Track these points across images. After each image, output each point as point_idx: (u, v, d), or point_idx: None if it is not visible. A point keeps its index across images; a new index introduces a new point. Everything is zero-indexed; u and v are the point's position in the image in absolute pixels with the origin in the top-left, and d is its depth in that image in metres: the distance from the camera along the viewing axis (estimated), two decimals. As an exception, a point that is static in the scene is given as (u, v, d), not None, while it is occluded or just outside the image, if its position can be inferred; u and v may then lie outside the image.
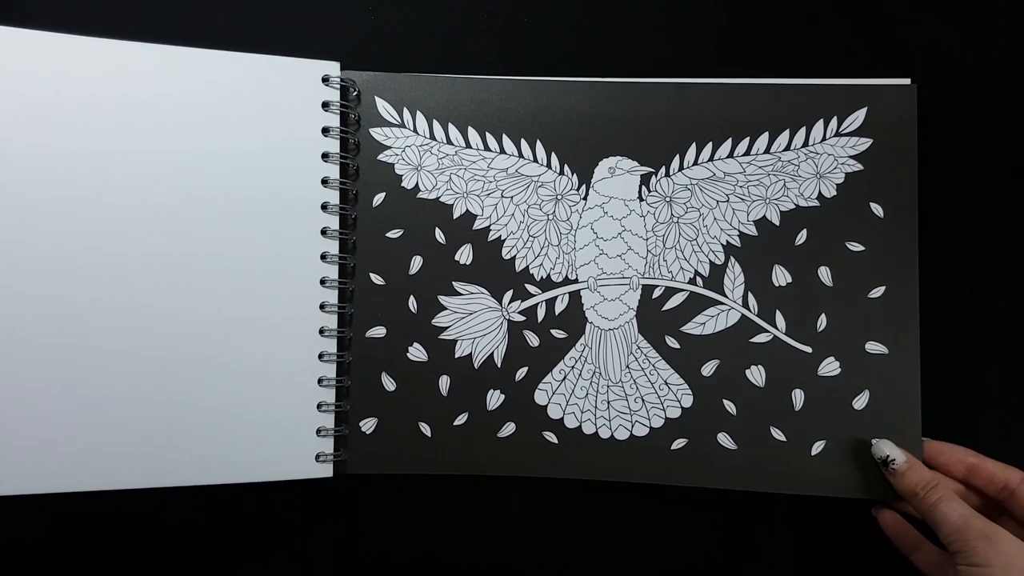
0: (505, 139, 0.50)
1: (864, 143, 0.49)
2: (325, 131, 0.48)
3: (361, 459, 0.50)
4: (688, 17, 0.53)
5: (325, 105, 0.48)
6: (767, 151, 0.50)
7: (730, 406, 0.49)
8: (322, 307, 0.49)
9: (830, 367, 0.48)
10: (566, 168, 0.50)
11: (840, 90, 0.49)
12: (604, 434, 0.50)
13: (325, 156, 0.48)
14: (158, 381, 0.46)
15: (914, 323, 0.48)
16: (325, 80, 0.48)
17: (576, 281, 0.50)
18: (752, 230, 0.50)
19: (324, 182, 0.48)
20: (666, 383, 0.50)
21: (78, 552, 0.50)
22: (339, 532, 0.52)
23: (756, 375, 0.49)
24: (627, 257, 0.50)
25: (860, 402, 0.48)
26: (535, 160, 0.50)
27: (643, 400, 0.50)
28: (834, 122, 0.49)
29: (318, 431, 0.49)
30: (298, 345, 0.48)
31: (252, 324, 0.47)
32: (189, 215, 0.46)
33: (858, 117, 0.49)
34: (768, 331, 0.49)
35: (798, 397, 0.49)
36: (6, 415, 0.44)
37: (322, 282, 0.49)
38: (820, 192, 0.49)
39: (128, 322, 0.45)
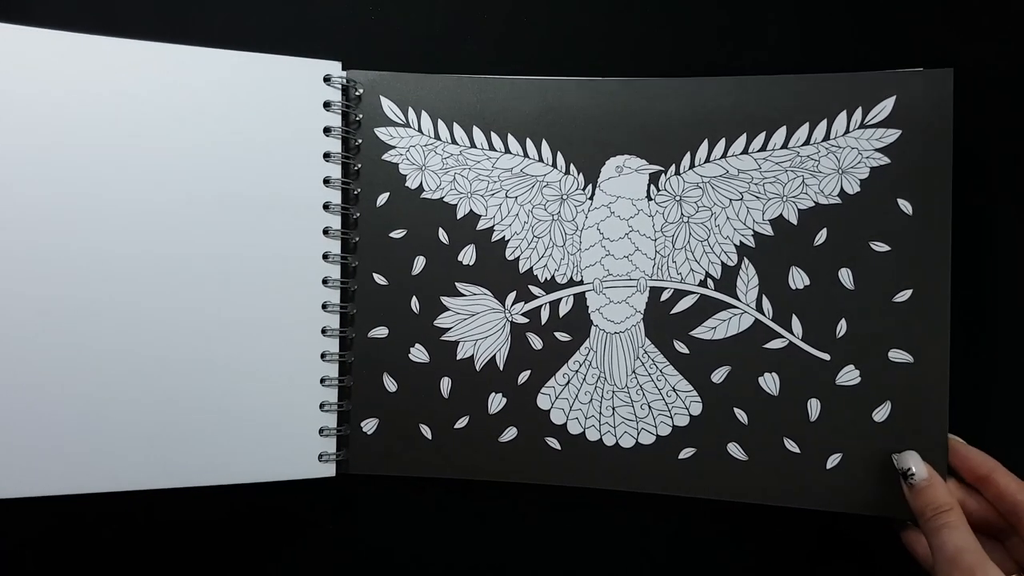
0: (510, 138, 0.49)
1: (892, 134, 0.45)
2: (327, 131, 0.49)
3: (362, 459, 0.49)
4: (690, 16, 0.51)
5: (327, 105, 0.49)
6: (784, 146, 0.47)
7: (741, 415, 0.46)
8: (324, 307, 0.49)
9: (849, 376, 0.45)
10: (572, 167, 0.49)
11: (865, 78, 0.46)
12: (609, 441, 0.48)
13: (327, 156, 0.49)
14: (160, 382, 0.46)
15: (944, 330, 0.44)
16: (326, 80, 0.49)
17: (581, 283, 0.49)
18: (768, 230, 0.47)
19: (326, 182, 0.49)
20: (674, 390, 0.47)
21: (82, 553, 0.51)
22: (340, 532, 0.51)
23: (769, 383, 0.46)
24: (634, 258, 0.48)
25: (881, 414, 0.44)
26: (540, 159, 0.49)
27: (650, 407, 0.48)
28: (858, 113, 0.46)
29: (321, 431, 0.49)
30: (300, 345, 0.48)
31: (254, 324, 0.48)
32: (190, 215, 0.47)
33: (885, 107, 0.45)
34: (783, 336, 0.46)
35: (814, 407, 0.45)
36: (10, 417, 0.45)
37: (324, 282, 0.49)
38: (842, 188, 0.46)
39: (130, 323, 0.46)
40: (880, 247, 0.45)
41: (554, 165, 0.49)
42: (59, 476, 0.45)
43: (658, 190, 0.48)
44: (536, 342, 0.49)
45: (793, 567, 0.49)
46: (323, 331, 0.49)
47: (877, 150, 0.45)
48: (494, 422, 0.49)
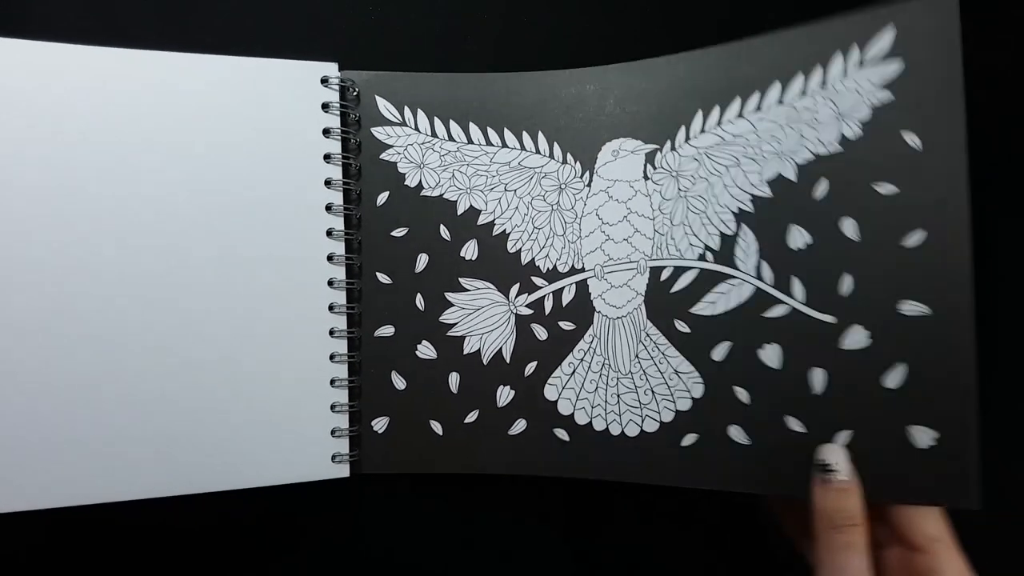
0: (507, 133, 0.50)
1: (894, 67, 0.40)
2: (326, 132, 0.50)
3: (374, 458, 0.50)
4: (691, 17, 0.50)
5: (325, 106, 0.50)
6: (780, 102, 0.43)
7: (742, 393, 0.42)
8: (331, 308, 0.50)
9: (857, 338, 0.39)
10: (569, 156, 0.48)
11: (860, 16, 0.41)
12: (615, 430, 0.45)
13: (327, 157, 0.50)
14: (171, 388, 0.47)
15: (964, 273, 0.37)
16: (324, 81, 0.50)
17: (582, 270, 0.47)
18: (766, 191, 0.43)
19: (327, 183, 0.50)
20: (676, 372, 0.44)
21: (89, 559, 0.51)
22: (353, 532, 0.51)
23: (771, 355, 0.41)
24: (634, 240, 0.46)
25: (894, 379, 0.38)
26: (537, 151, 0.49)
27: (653, 392, 0.45)
28: (855, 53, 0.41)
29: (333, 432, 0.49)
30: (309, 347, 0.50)
31: (263, 328, 0.49)
32: (195, 222, 0.48)
33: (884, 40, 0.40)
34: (784, 302, 0.42)
35: (818, 378, 0.40)
36: (12, 425, 0.45)
37: (330, 283, 0.50)
38: (842, 134, 0.41)
39: (139, 330, 0.47)
40: (886, 188, 0.40)
41: (551, 156, 0.49)
42: (65, 487, 0.45)
43: (655, 169, 0.46)
44: (541, 332, 0.48)
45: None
46: (331, 332, 0.50)
47: (878, 86, 0.41)
48: (503, 415, 0.48)
